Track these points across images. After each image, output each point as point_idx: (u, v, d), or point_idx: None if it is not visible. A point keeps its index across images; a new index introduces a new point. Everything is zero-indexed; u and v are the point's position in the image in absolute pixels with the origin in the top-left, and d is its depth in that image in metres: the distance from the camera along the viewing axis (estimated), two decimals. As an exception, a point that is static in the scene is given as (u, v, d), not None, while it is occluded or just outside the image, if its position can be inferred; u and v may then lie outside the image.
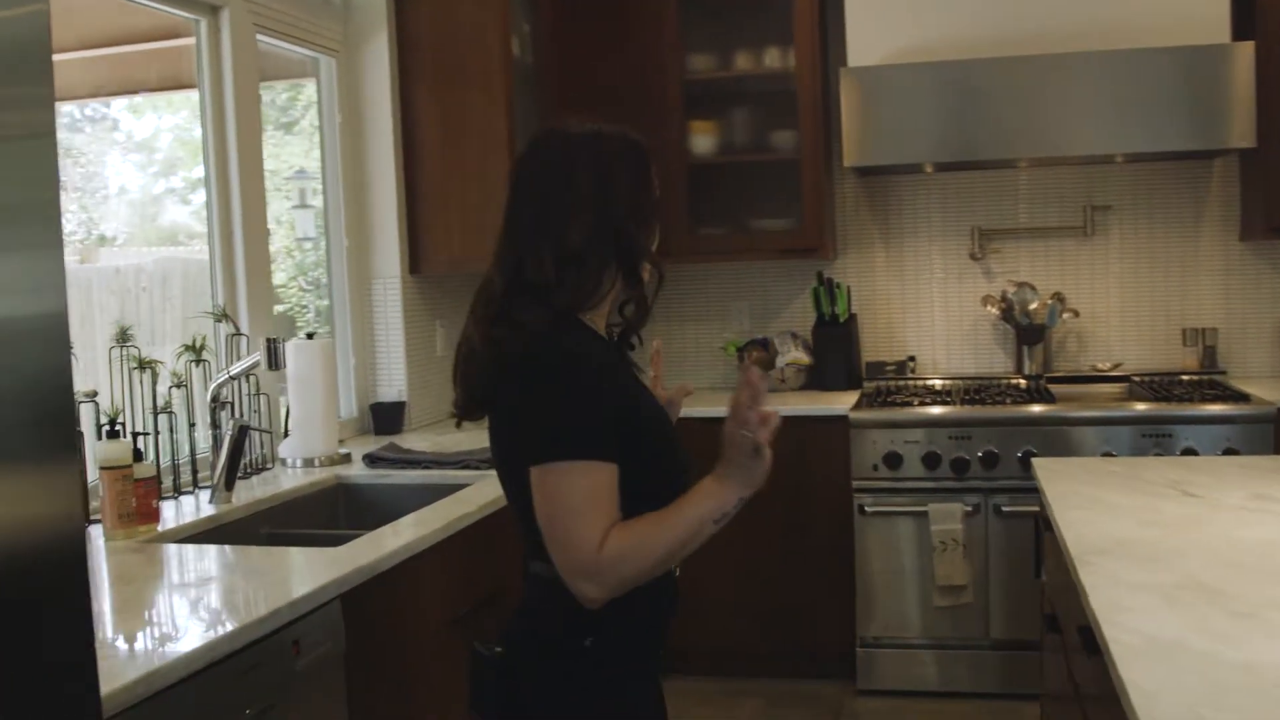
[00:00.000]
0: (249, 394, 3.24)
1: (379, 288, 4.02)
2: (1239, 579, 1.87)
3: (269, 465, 3.32)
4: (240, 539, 2.72)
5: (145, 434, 2.63)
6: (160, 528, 2.58)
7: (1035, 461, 2.94)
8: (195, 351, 3.01)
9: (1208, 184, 4.58)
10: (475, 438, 3.66)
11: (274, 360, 2.86)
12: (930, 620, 4.10)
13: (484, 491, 2.90)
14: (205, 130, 3.35)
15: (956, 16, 4.20)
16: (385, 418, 3.92)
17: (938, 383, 4.67)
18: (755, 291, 4.93)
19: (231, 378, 2.90)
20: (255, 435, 3.16)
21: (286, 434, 3.36)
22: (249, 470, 3.20)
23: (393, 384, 4.02)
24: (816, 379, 4.68)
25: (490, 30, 3.93)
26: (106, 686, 1.54)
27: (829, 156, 4.56)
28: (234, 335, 3.18)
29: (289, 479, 3.18)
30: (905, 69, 4.19)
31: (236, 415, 2.89)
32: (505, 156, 3.93)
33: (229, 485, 2.84)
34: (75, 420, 1.37)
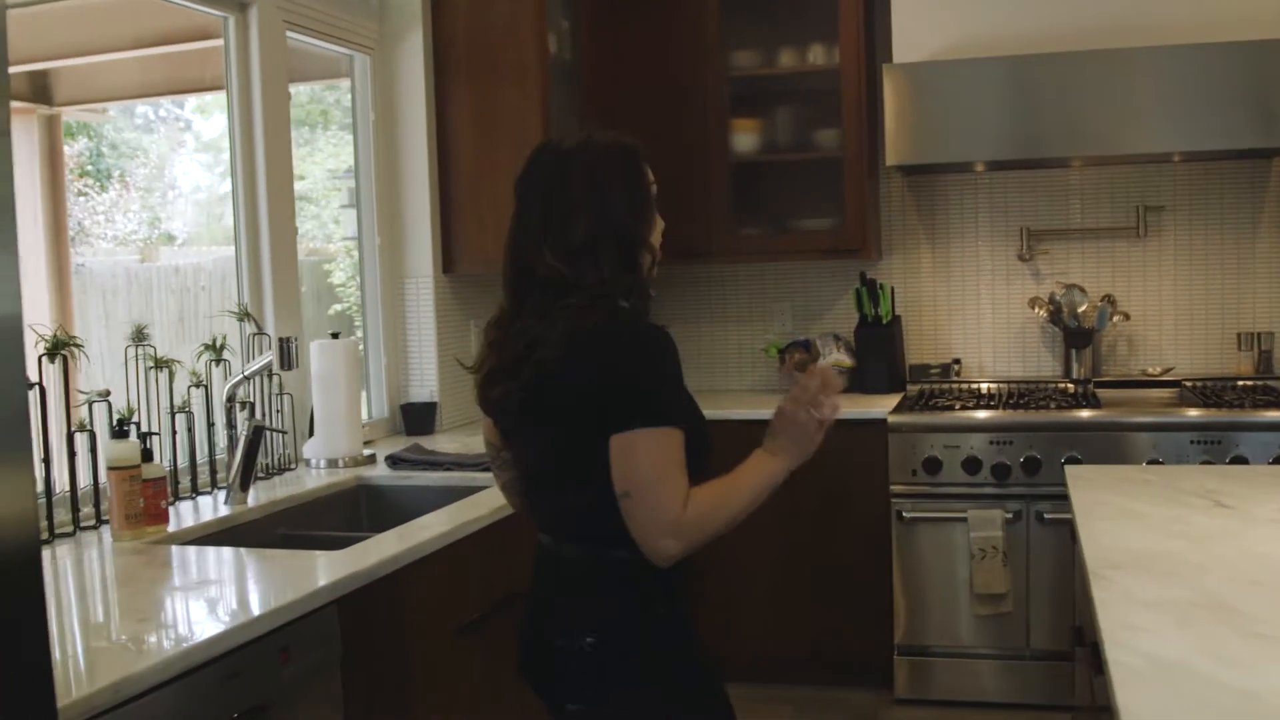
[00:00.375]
0: (272, 394, 3.24)
1: (411, 287, 4.00)
2: (1258, 598, 1.78)
3: (292, 466, 3.31)
4: (254, 540, 2.71)
5: (155, 434, 2.62)
6: (173, 528, 2.58)
7: (1068, 469, 2.85)
8: (215, 351, 3.01)
9: (1265, 183, 4.42)
10: (476, 443, 3.63)
11: (286, 360, 2.84)
12: (969, 629, 4.00)
13: (498, 495, 2.86)
14: (232, 128, 3.35)
15: (1005, 11, 4.09)
16: (416, 418, 3.90)
17: (983, 386, 4.56)
18: (797, 292, 4.85)
19: (246, 378, 2.89)
20: (277, 435, 3.15)
21: (311, 434, 3.35)
22: (270, 471, 3.19)
23: (424, 384, 4.01)
24: (858, 381, 4.59)
25: (525, 26, 3.89)
26: (73, 693, 1.52)
27: (874, 155, 4.46)
28: (256, 335, 3.17)
29: (311, 479, 3.16)
30: (952, 65, 4.09)
31: (252, 415, 2.88)
32: (538, 155, 3.89)
33: (244, 486, 2.83)
34: (29, 424, 1.35)
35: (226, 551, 2.41)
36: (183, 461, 2.87)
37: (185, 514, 2.73)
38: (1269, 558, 2.00)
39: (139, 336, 2.77)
